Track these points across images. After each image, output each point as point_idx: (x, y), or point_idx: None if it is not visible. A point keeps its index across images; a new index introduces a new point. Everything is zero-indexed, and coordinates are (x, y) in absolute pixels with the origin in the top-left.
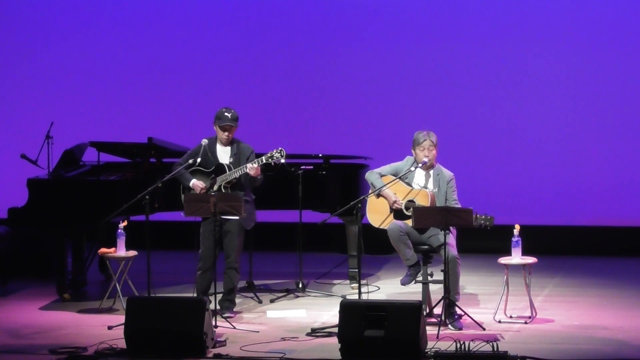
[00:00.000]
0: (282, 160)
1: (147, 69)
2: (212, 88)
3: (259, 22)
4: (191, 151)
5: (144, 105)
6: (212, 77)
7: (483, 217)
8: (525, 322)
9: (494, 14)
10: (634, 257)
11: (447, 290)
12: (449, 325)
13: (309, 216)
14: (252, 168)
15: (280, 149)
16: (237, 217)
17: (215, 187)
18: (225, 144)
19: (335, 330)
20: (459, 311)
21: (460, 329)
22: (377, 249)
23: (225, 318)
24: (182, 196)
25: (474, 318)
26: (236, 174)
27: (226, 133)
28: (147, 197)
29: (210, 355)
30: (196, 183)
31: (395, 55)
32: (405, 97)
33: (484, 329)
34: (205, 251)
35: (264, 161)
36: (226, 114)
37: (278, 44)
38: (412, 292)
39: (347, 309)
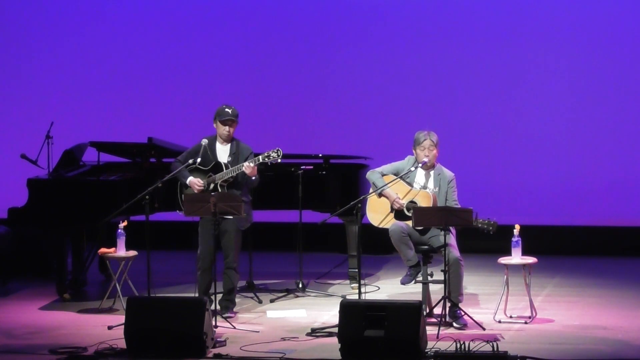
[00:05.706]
0: (279, 160)
1: (147, 69)
2: (212, 88)
3: (258, 22)
4: (191, 150)
5: (144, 105)
6: (212, 77)
7: (486, 221)
8: (525, 322)
9: (495, 14)
10: (634, 257)
11: (447, 290)
12: (454, 324)
13: (309, 216)
14: (248, 167)
15: (277, 149)
16: (233, 217)
17: (212, 186)
18: (225, 141)
19: (335, 330)
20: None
21: (465, 324)
22: (377, 249)
23: (225, 318)
24: (183, 196)
25: (474, 318)
26: (233, 172)
27: (227, 128)
28: (147, 197)
29: (210, 355)
30: (193, 181)
31: (396, 55)
32: (405, 97)
33: (484, 329)
34: (204, 250)
35: (261, 160)
36: (227, 109)
37: (278, 44)
38: (412, 292)
39: (347, 309)
